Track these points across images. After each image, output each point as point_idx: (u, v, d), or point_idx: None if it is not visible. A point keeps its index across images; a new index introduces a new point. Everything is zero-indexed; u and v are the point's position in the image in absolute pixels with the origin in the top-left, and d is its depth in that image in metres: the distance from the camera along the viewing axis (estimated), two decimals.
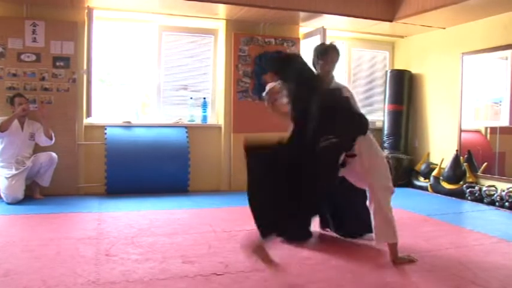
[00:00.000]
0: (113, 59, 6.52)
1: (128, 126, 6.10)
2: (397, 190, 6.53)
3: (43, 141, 5.36)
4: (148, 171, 5.81)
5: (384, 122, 7.33)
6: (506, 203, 5.31)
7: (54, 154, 5.36)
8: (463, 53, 6.33)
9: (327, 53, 3.61)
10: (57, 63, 5.67)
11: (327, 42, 3.82)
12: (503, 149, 5.97)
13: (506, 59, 5.75)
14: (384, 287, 2.83)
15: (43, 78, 5.62)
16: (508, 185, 5.49)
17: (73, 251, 3.37)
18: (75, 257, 3.21)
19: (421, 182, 6.74)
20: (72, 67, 5.73)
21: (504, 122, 5.80)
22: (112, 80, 6.72)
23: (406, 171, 7.01)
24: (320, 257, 3.41)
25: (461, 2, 5.21)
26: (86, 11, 5.66)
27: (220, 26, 6.51)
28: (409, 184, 6.91)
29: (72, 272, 2.90)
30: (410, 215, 4.96)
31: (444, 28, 6.62)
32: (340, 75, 7.40)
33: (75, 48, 5.73)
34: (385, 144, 7.20)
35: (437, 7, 5.51)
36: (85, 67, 5.72)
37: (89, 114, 5.76)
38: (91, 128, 5.96)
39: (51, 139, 5.35)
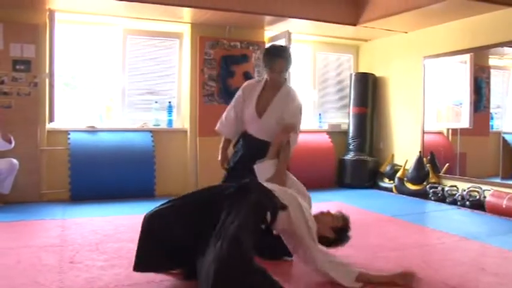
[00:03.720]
0: (77, 63, 6.40)
1: (92, 130, 5.99)
2: (363, 192, 6.75)
3: (1, 145, 5.20)
4: (114, 176, 5.73)
5: (349, 124, 7.43)
6: (467, 202, 5.46)
7: (14, 160, 5.20)
8: (424, 57, 6.48)
9: (273, 62, 3.38)
10: (18, 67, 5.51)
11: (279, 44, 3.59)
12: (464, 150, 6.15)
13: (466, 62, 5.92)
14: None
15: (2, 82, 5.45)
16: (469, 185, 5.64)
17: (35, 259, 3.28)
18: (36, 266, 3.13)
19: (386, 183, 6.85)
20: (33, 71, 5.57)
21: (464, 124, 5.96)
22: (76, 83, 6.60)
23: (371, 173, 7.12)
24: None
25: (423, 7, 5.34)
26: (48, 13, 5.55)
27: (186, 30, 6.47)
28: (374, 185, 7.02)
29: (33, 281, 2.82)
30: (375, 216, 5.04)
31: (406, 32, 6.76)
32: (305, 78, 7.48)
33: (37, 51, 5.58)
34: (351, 147, 7.30)
35: (400, 12, 5.63)
36: (47, 71, 5.60)
37: (51, 119, 5.64)
38: (54, 133, 5.83)
39: (9, 142, 5.19)
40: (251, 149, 3.46)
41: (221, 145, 3.67)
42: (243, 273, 2.38)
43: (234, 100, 3.60)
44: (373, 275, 2.85)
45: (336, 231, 3.01)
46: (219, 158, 3.66)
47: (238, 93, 3.59)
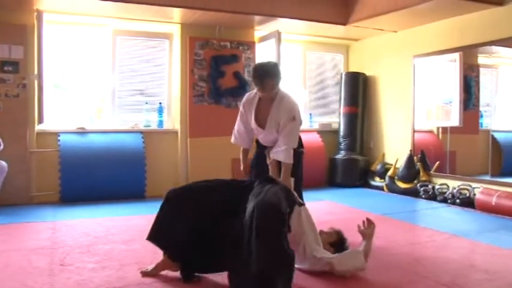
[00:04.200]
0: (66, 64, 6.36)
1: (82, 132, 5.96)
2: (354, 190, 6.77)
3: None
4: (104, 177, 5.69)
5: (339, 123, 7.45)
6: (458, 200, 5.50)
7: (3, 162, 5.15)
8: (414, 56, 6.52)
9: (263, 83, 3.37)
10: (6, 68, 5.46)
11: (266, 63, 3.58)
12: (454, 148, 6.19)
13: (455, 61, 5.96)
14: (339, 284, 2.88)
15: None
16: (459, 183, 5.68)
17: (24, 262, 3.25)
18: (26, 269, 3.11)
19: (377, 182, 6.88)
20: (21, 72, 5.52)
21: (454, 122, 6.00)
22: (66, 85, 6.55)
23: (362, 172, 7.14)
24: None
25: (412, 6, 5.37)
26: (35, 14, 5.50)
27: (175, 30, 6.45)
28: (366, 184, 7.05)
29: (22, 284, 2.80)
30: (366, 215, 5.04)
31: (396, 31, 6.79)
32: (296, 78, 7.49)
33: (25, 52, 5.53)
34: (341, 146, 7.32)
35: (389, 11, 5.65)
36: (36, 72, 5.55)
37: (40, 121, 5.60)
38: (43, 134, 5.79)
39: None
40: (262, 155, 3.67)
41: (241, 155, 3.84)
42: (280, 221, 2.65)
43: (238, 115, 3.77)
44: (365, 247, 3.13)
45: (333, 245, 3.19)
46: (241, 167, 3.85)
47: (240, 109, 3.74)
